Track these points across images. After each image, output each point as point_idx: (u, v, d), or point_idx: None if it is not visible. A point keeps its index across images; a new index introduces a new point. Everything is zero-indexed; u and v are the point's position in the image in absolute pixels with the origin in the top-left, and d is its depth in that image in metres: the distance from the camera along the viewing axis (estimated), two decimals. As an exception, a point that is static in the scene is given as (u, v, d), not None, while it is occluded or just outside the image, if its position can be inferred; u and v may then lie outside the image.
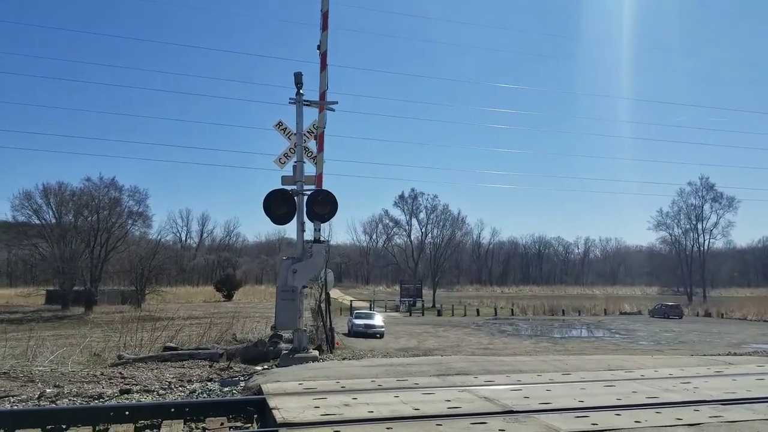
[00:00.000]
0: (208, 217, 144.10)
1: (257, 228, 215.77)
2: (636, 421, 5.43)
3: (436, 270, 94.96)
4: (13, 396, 8.65)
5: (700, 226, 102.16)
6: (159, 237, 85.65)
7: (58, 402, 7.26)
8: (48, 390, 8.42)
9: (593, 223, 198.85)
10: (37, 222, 68.36)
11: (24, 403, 7.45)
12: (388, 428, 5.09)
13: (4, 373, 11.20)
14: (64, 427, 5.43)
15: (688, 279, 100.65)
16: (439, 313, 68.58)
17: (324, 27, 11.94)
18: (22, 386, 10.16)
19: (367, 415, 5.52)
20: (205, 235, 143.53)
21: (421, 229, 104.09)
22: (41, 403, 7.36)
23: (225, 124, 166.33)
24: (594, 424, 5.27)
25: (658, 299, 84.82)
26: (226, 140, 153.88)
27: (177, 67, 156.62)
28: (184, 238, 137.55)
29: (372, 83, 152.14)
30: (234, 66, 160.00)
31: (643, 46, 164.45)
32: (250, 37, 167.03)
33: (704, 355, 13.33)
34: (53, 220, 68.46)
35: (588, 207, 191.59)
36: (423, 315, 67.19)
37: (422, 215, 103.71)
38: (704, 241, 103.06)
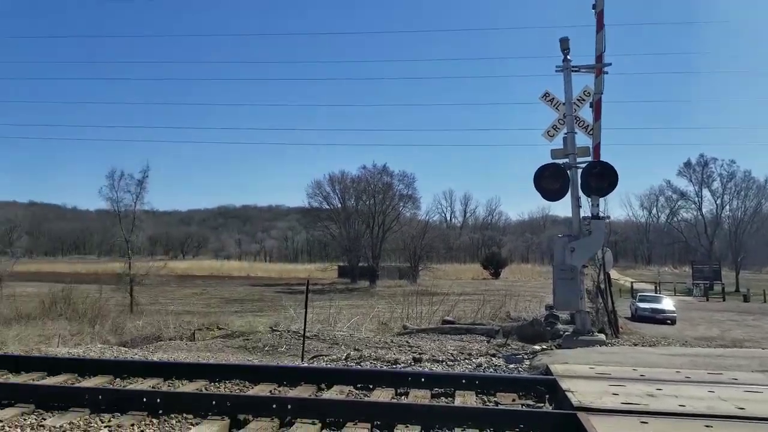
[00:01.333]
0: (470, 197, 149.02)
1: (519, 206, 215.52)
2: None
3: (739, 249, 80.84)
4: (324, 355, 10.04)
5: None
6: (427, 217, 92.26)
7: (362, 364, 8.14)
8: (351, 352, 9.56)
9: None
10: (327, 207, 79.92)
11: (335, 363, 8.56)
12: (707, 426, 4.41)
13: (315, 335, 13.18)
14: (370, 386, 6.02)
15: None
16: (746, 299, 58.22)
17: None
18: (329, 347, 11.79)
19: (678, 409, 4.87)
20: (468, 214, 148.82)
21: (715, 201, 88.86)
22: (348, 363, 8.35)
23: (478, 102, 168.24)
24: None
25: None
26: (479, 120, 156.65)
27: (430, 53, 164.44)
28: (449, 218, 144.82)
29: (637, 38, 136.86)
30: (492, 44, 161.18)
31: None
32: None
33: None
34: (339, 205, 79.14)
35: None
36: (723, 300, 58.11)
37: (716, 184, 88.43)
38: None
